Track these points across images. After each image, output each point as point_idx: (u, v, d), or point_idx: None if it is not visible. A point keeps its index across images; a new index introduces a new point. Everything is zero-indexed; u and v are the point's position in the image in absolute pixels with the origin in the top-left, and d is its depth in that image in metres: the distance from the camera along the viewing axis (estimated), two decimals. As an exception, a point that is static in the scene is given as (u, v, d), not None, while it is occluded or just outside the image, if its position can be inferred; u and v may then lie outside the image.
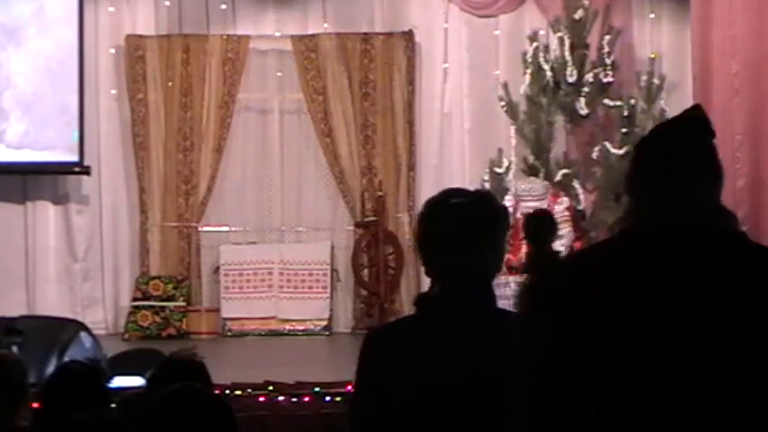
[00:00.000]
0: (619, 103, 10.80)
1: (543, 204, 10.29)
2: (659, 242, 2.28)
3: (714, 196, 2.34)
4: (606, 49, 10.80)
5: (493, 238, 2.79)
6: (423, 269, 2.92)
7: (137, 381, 6.29)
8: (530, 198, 10.33)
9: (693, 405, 2.19)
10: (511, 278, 8.52)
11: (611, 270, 2.27)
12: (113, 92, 11.63)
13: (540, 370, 2.34)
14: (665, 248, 2.27)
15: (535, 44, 10.92)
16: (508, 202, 10.21)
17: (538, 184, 10.44)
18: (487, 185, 10.71)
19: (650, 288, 2.23)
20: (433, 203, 2.82)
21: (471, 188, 2.98)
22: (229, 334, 11.18)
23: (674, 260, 2.25)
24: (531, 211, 9.94)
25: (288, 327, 11.18)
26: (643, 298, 2.22)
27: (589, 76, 10.74)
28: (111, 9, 11.65)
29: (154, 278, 11.36)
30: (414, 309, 2.86)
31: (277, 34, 11.72)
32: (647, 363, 2.21)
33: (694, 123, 2.37)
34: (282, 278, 11.36)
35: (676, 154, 2.34)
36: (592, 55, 10.86)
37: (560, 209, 10.35)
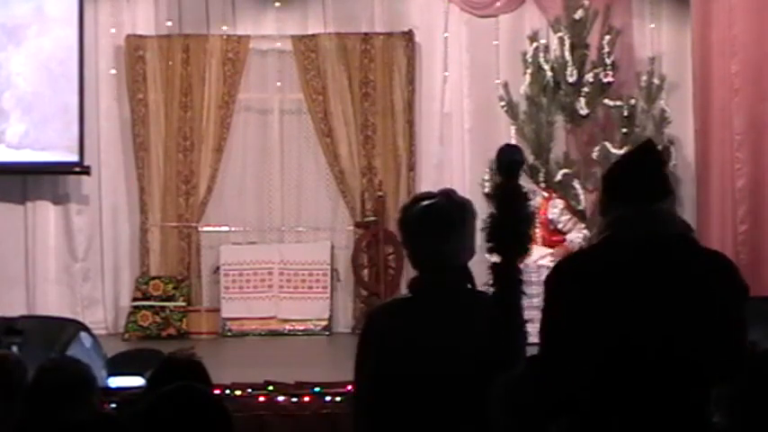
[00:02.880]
0: (619, 103, 10.80)
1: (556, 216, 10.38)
2: (629, 250, 3.07)
3: (669, 212, 3.16)
4: (606, 49, 10.80)
5: (460, 229, 3.43)
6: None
7: (137, 381, 6.29)
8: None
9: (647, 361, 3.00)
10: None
11: (594, 272, 3.08)
12: (113, 92, 11.63)
13: (505, 342, 3.22)
14: (635, 255, 3.06)
15: (535, 44, 10.93)
16: None
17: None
18: (487, 185, 10.73)
19: (621, 286, 3.04)
20: (407, 207, 3.49)
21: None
22: (229, 334, 11.18)
23: (640, 264, 3.05)
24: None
25: (288, 327, 11.18)
26: (617, 292, 3.03)
27: (589, 76, 10.75)
28: (111, 9, 11.65)
29: (154, 278, 11.36)
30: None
31: (277, 34, 11.72)
32: (619, 339, 3.01)
33: (649, 155, 3.21)
34: (282, 278, 11.35)
35: (638, 181, 3.12)
36: (592, 55, 10.86)
37: (556, 212, 10.38)
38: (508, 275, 3.53)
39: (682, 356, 3.03)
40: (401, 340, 3.35)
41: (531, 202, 3.75)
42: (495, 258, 3.57)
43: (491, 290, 3.54)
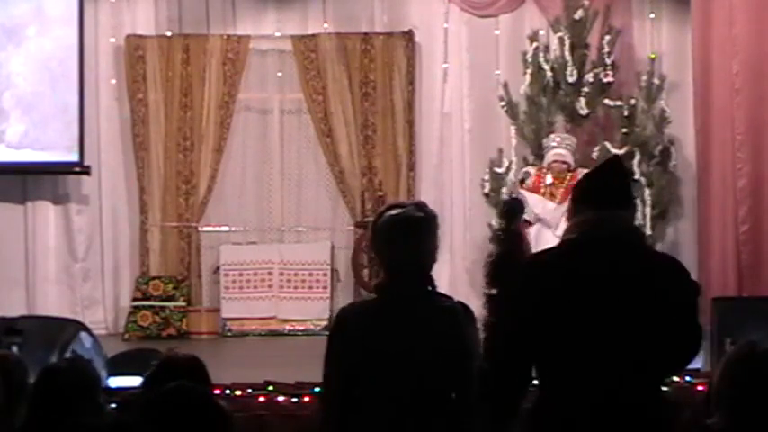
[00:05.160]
0: (619, 103, 10.79)
1: (570, 156, 10.23)
2: (594, 248, 3.46)
3: (630, 219, 3.61)
4: (606, 49, 10.79)
5: (427, 238, 3.69)
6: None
7: (137, 381, 6.29)
8: (561, 147, 10.22)
9: (606, 353, 3.37)
10: None
11: (563, 265, 3.47)
12: (113, 92, 11.63)
13: (468, 345, 3.57)
14: (598, 253, 3.45)
15: (535, 44, 10.92)
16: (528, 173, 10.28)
17: (572, 139, 10.41)
18: (487, 185, 10.73)
19: (587, 278, 3.42)
20: (379, 214, 3.77)
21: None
22: (229, 334, 11.18)
23: (602, 260, 3.44)
24: (555, 160, 10.06)
25: (288, 327, 11.18)
26: (582, 283, 3.41)
27: (589, 76, 10.74)
28: (111, 9, 11.65)
29: (154, 278, 11.36)
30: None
31: (277, 34, 11.71)
32: (579, 323, 3.38)
33: (617, 169, 3.65)
34: (282, 278, 11.35)
35: (605, 190, 3.53)
36: (592, 55, 10.85)
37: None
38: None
39: (639, 345, 3.40)
40: (368, 340, 3.65)
41: (527, 246, 4.23)
42: (491, 291, 3.88)
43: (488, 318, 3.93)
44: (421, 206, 3.78)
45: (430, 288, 3.73)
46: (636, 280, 3.43)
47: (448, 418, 3.59)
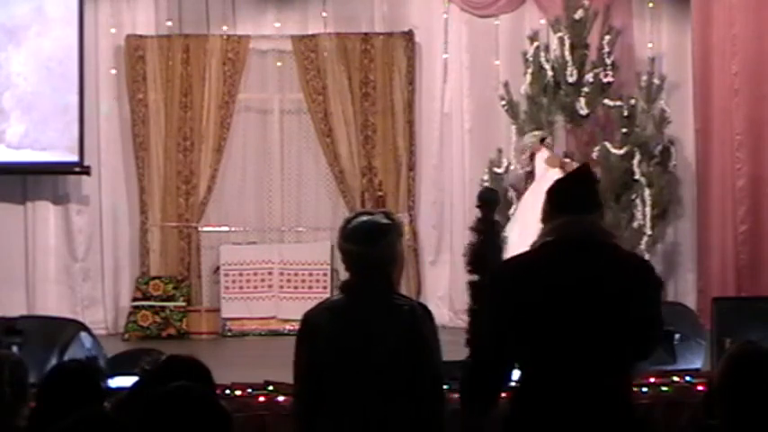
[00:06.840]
0: (619, 103, 10.80)
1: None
2: (567, 251, 3.67)
3: (599, 221, 3.82)
4: (606, 49, 10.80)
5: (389, 242, 3.95)
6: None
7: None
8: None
9: (579, 354, 3.56)
10: None
11: (537, 269, 3.68)
12: (113, 92, 11.63)
13: (425, 344, 3.82)
14: (571, 255, 3.66)
15: (535, 44, 10.93)
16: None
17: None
18: (487, 185, 10.72)
19: (559, 280, 3.62)
20: (348, 220, 3.98)
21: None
22: (229, 334, 11.18)
23: (575, 262, 3.65)
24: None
25: (288, 327, 11.16)
26: (556, 285, 3.61)
27: (589, 76, 10.75)
28: (111, 9, 11.65)
29: (154, 278, 11.36)
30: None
31: (277, 34, 11.71)
32: (556, 324, 3.57)
33: (585, 176, 3.93)
34: (282, 278, 11.35)
35: (575, 196, 3.78)
36: (592, 55, 10.86)
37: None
38: (484, 292, 4.05)
39: (606, 340, 3.59)
40: (334, 339, 3.88)
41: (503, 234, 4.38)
42: (473, 278, 3.90)
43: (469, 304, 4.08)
44: (387, 214, 4.06)
45: (391, 290, 3.99)
46: (601, 279, 3.64)
47: (411, 415, 3.78)
